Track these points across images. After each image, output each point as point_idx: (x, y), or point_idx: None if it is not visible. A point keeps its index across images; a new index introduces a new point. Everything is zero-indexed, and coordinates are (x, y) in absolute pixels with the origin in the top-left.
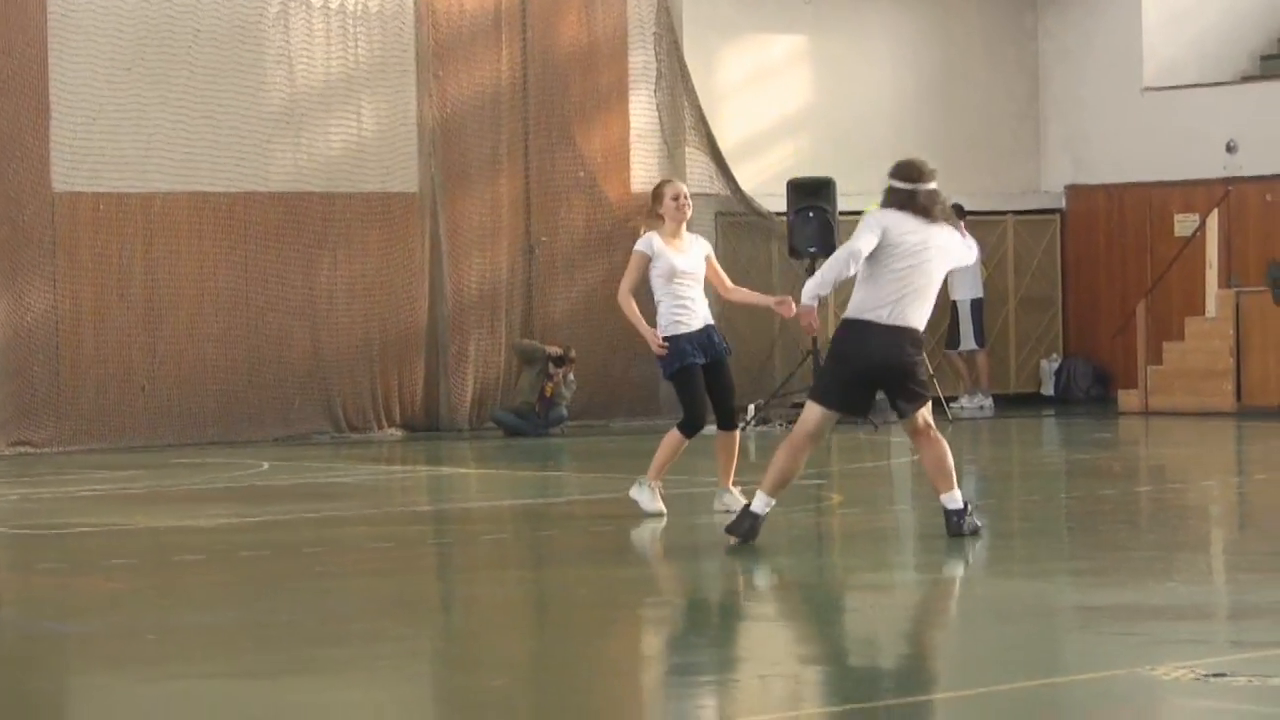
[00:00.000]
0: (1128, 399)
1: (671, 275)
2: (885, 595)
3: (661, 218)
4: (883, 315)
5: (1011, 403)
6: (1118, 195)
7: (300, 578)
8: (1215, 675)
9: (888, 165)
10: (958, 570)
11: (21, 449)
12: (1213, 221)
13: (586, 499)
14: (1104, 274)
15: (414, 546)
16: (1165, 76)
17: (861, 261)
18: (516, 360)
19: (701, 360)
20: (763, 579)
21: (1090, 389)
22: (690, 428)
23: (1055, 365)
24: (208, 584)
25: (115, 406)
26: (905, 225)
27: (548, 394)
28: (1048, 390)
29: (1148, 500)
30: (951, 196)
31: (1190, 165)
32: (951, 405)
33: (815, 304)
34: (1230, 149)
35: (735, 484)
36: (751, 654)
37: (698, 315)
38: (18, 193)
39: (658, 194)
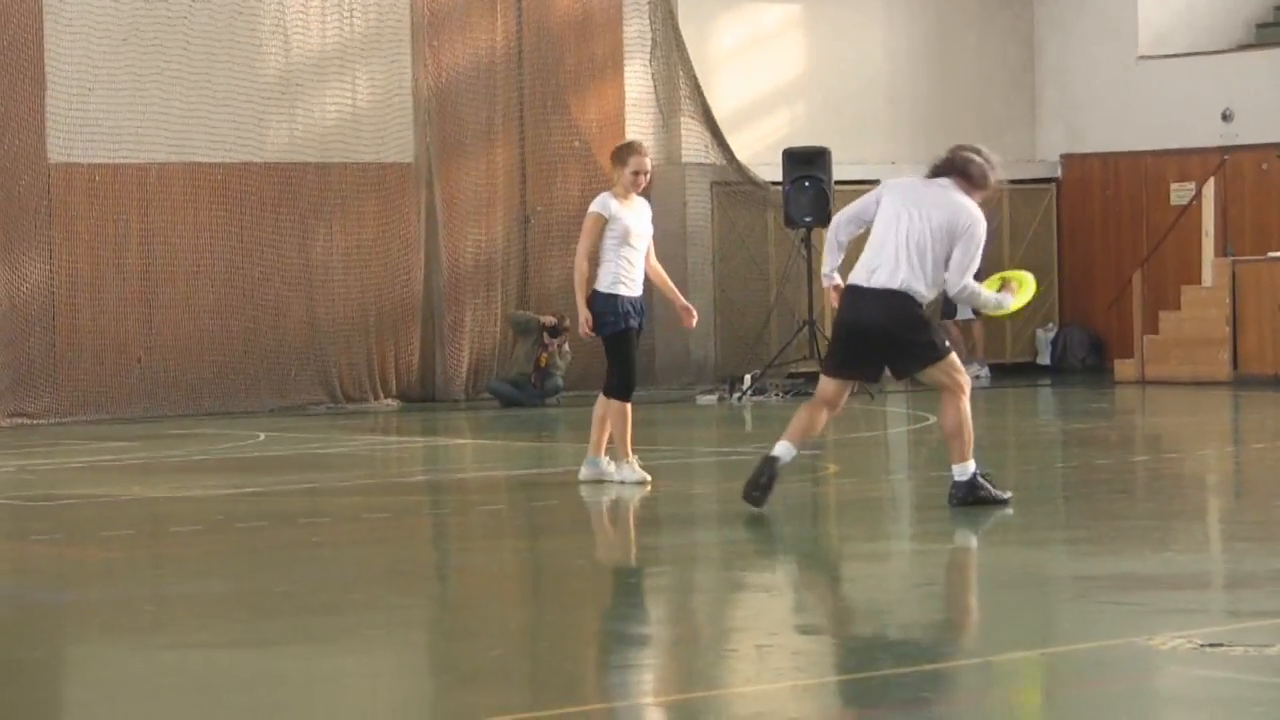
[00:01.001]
0: (1124, 368)
1: (626, 237)
2: (881, 565)
3: (619, 180)
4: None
5: (1008, 372)
6: (1113, 164)
7: (296, 548)
8: (1212, 645)
9: (880, 134)
10: (953, 540)
11: (18, 420)
12: (1209, 190)
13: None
14: (1100, 243)
15: (410, 516)
16: (1160, 45)
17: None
18: (512, 331)
19: (636, 325)
20: (759, 548)
21: (1086, 358)
22: (627, 390)
23: (1051, 334)
24: (203, 554)
25: (111, 377)
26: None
27: (543, 364)
28: (1044, 359)
29: (1144, 469)
30: None
31: (1186, 134)
32: None
33: None
34: (1226, 117)
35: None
36: (748, 624)
37: (638, 281)
38: (13, 164)
39: (621, 159)
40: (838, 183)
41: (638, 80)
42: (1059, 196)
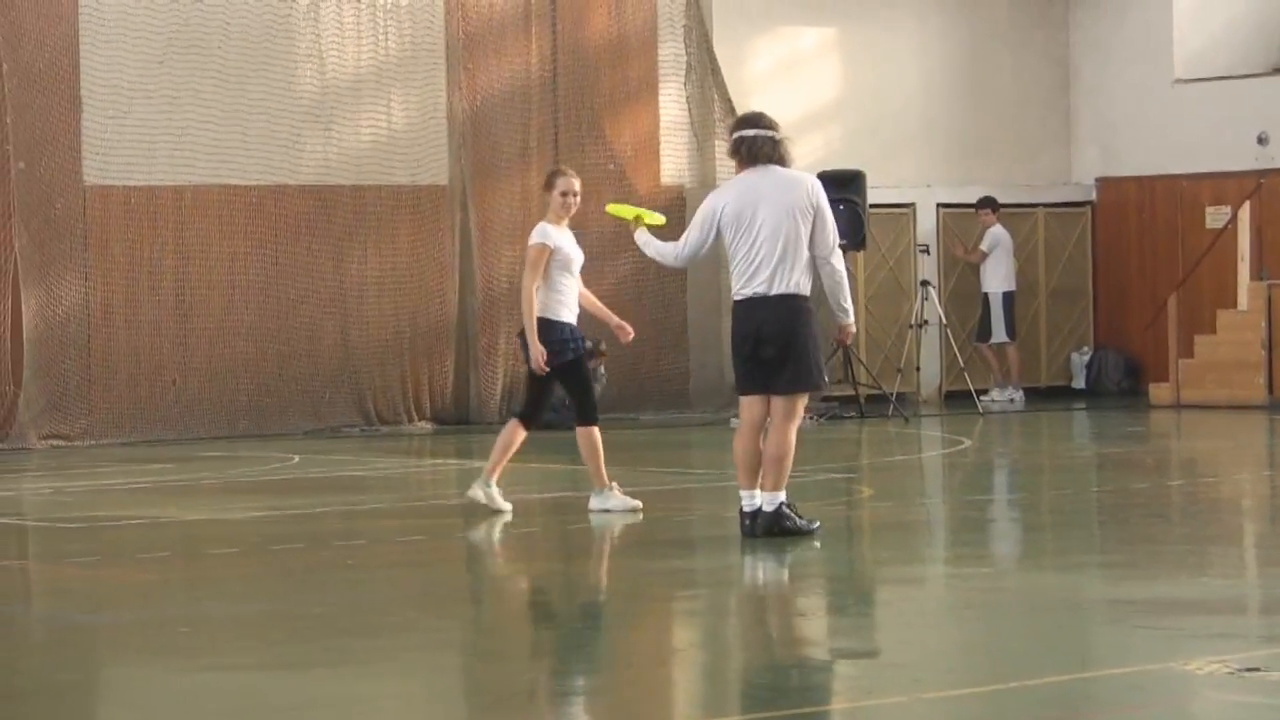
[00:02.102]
0: (1159, 392)
1: (567, 265)
2: (916, 588)
3: (550, 206)
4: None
5: (1042, 395)
6: (1149, 187)
7: (331, 570)
8: (1248, 670)
9: (915, 156)
10: (989, 563)
11: (53, 442)
12: (1244, 214)
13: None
14: (1135, 266)
15: (444, 539)
16: (1196, 68)
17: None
18: None
19: (583, 349)
20: (794, 572)
21: (1121, 382)
22: (596, 411)
23: (1086, 358)
24: (239, 576)
25: (146, 400)
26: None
27: None
28: (1079, 383)
29: (1179, 494)
30: (983, 187)
31: (1221, 157)
32: (982, 398)
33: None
34: (1262, 141)
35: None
36: (786, 646)
37: (574, 309)
38: (49, 186)
39: (549, 183)
40: (873, 206)
41: (672, 103)
42: (1094, 219)
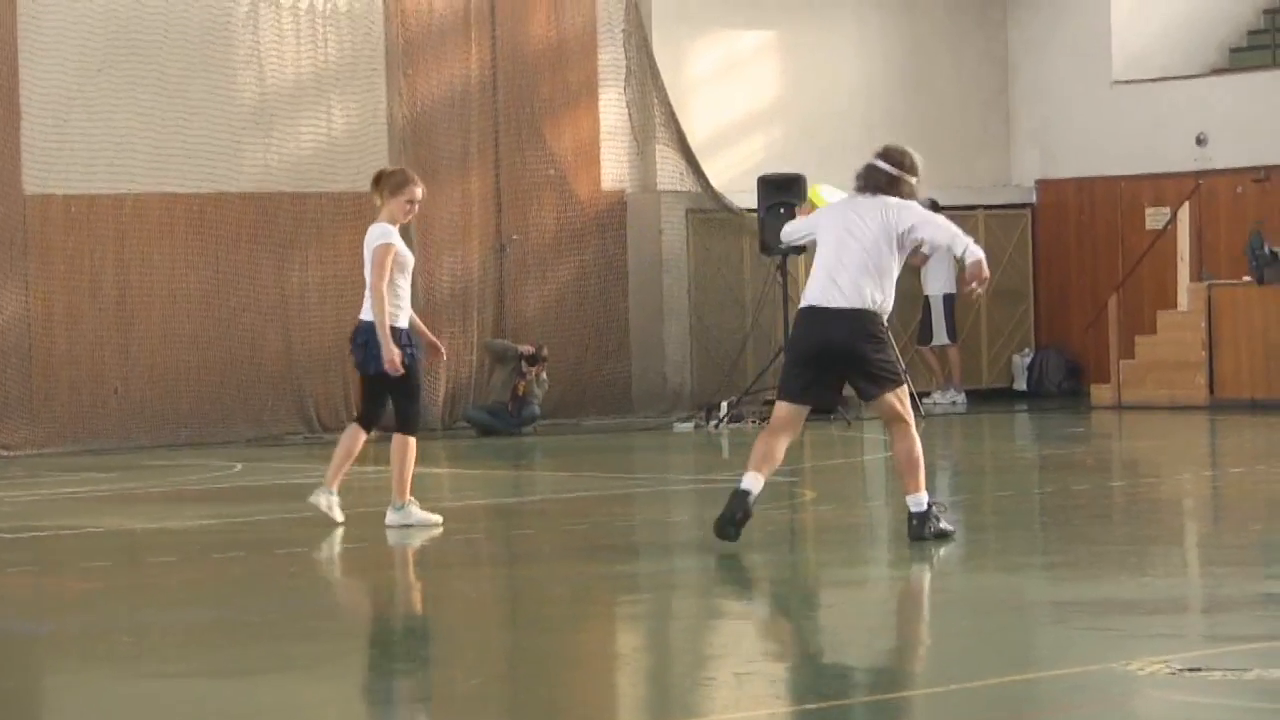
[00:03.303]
0: (1100, 393)
1: (405, 267)
2: (858, 591)
3: (382, 203)
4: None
5: (984, 397)
6: (1088, 188)
7: (273, 577)
8: (1190, 670)
9: (857, 159)
10: (931, 566)
11: None
12: (1184, 214)
13: (560, 497)
14: (1075, 267)
15: (387, 545)
16: (1135, 69)
17: None
18: (489, 359)
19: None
20: (736, 576)
21: (1062, 383)
22: (414, 427)
23: (1027, 359)
24: (181, 584)
25: (88, 409)
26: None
27: (520, 392)
28: (1020, 385)
29: (1121, 494)
30: (924, 190)
31: (1161, 158)
32: (924, 400)
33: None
34: (1200, 142)
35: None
36: (726, 650)
37: (408, 312)
38: None
39: (397, 188)
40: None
41: (612, 108)
42: (1034, 221)
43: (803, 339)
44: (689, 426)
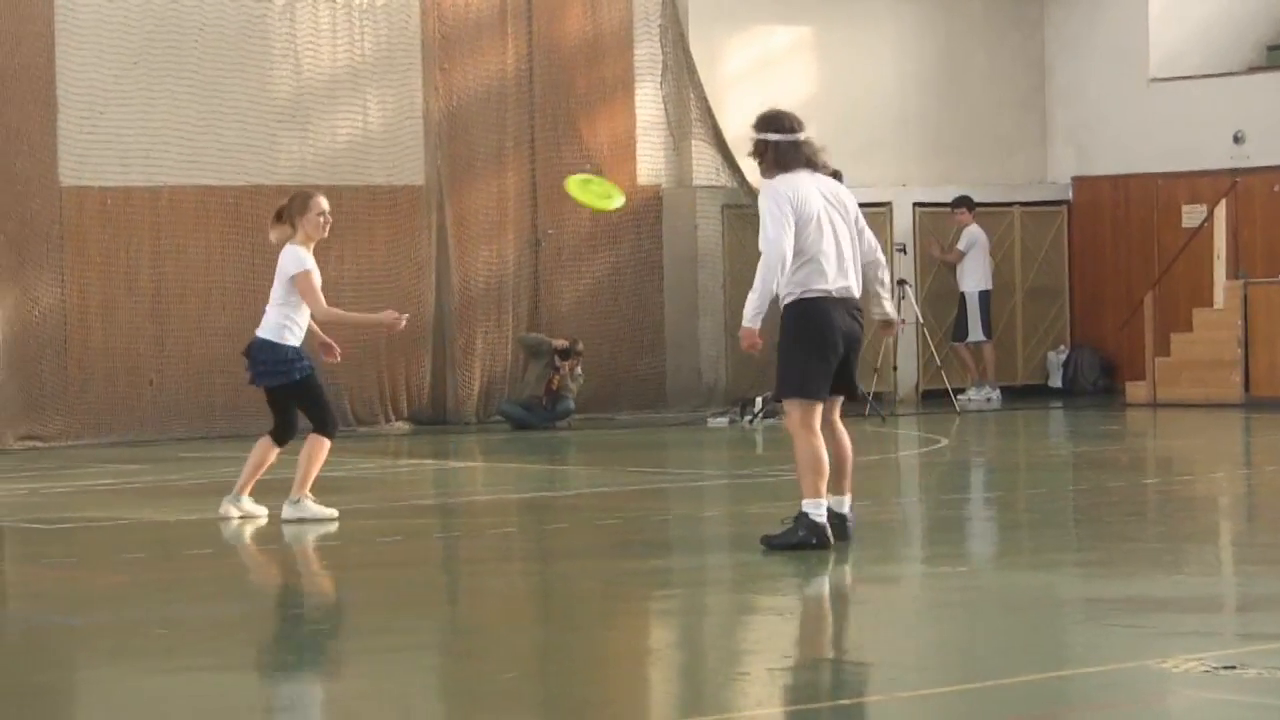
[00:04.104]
0: (1135, 390)
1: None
2: (892, 588)
3: (296, 227)
4: (831, 287)
5: (1019, 394)
6: (1124, 186)
7: (308, 571)
8: (1225, 668)
9: (892, 156)
10: (964, 562)
11: (30, 443)
12: (1220, 212)
13: (593, 492)
14: (1111, 265)
15: (421, 539)
16: (1171, 67)
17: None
18: (523, 353)
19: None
20: (771, 571)
21: (1097, 380)
22: (334, 427)
23: (1063, 357)
24: (215, 577)
25: (123, 400)
26: (804, 187)
27: (554, 387)
28: (1055, 382)
29: (1155, 492)
30: (958, 186)
31: (1197, 156)
32: (959, 397)
33: (758, 325)
34: (1237, 139)
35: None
36: (759, 646)
37: (303, 332)
38: (25, 187)
39: (304, 205)
40: None
41: (648, 103)
42: (1070, 218)
43: (829, 329)
44: (723, 422)
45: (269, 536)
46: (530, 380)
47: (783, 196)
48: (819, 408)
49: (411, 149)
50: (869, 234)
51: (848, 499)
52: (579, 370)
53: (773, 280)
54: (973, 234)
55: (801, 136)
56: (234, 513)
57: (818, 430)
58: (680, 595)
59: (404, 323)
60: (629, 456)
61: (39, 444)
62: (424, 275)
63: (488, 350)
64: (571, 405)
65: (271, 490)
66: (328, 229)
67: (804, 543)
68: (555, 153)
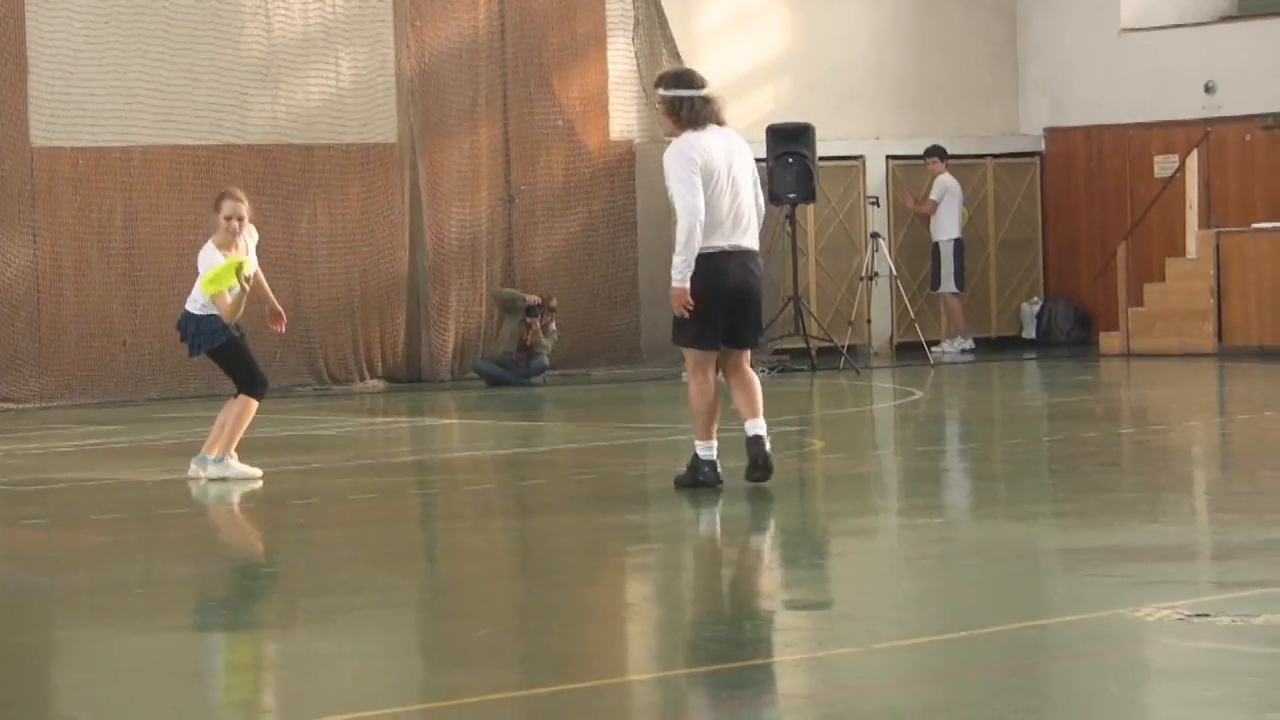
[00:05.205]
0: (1109, 341)
1: None
2: (869, 539)
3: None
4: (723, 241)
5: (993, 346)
6: (1097, 137)
7: (285, 529)
8: (1199, 615)
9: (866, 109)
10: (941, 514)
11: (4, 405)
12: (1192, 162)
13: (569, 447)
14: (1084, 216)
15: (398, 497)
16: (1143, 17)
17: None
18: (498, 310)
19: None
20: (748, 524)
21: (1071, 331)
22: (263, 387)
23: (1036, 308)
24: (193, 537)
25: (97, 361)
26: (706, 141)
27: (528, 343)
28: (1029, 333)
29: (1130, 442)
30: (932, 139)
31: (1169, 106)
32: (933, 349)
33: (687, 284)
34: (1209, 89)
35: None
36: (738, 600)
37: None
38: None
39: (216, 205)
40: (821, 159)
41: (621, 58)
42: (1043, 170)
43: (723, 280)
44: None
45: (247, 496)
46: (505, 336)
47: (688, 159)
48: (712, 356)
49: (384, 106)
50: (759, 190)
51: (760, 421)
52: (553, 327)
53: (694, 240)
54: (945, 183)
55: (709, 92)
56: (225, 474)
57: (709, 378)
58: (657, 549)
59: (284, 328)
60: (604, 412)
61: (13, 405)
62: (397, 232)
63: (462, 307)
64: (546, 362)
65: (254, 450)
66: (240, 234)
67: (704, 481)
68: (528, 109)
